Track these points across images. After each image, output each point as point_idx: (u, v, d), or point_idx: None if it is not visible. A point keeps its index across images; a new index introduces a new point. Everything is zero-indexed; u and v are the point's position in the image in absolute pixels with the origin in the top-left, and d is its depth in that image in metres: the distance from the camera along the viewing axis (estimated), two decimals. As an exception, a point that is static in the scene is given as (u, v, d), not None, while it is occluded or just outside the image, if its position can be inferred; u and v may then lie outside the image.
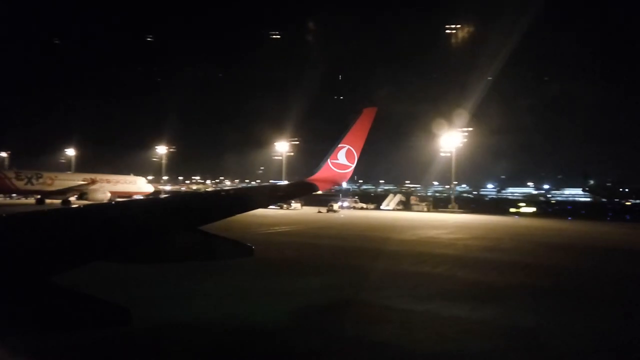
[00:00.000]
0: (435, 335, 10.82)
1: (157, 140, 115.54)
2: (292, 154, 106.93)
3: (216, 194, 9.15)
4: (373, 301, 13.93)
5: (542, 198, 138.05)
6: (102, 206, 4.11)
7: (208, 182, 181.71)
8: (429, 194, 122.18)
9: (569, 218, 71.46)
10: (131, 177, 77.85)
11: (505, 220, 64.12)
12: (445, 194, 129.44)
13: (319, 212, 64.58)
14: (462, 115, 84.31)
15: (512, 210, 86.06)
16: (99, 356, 8.24)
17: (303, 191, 9.02)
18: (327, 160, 8.14)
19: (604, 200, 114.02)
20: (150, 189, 77.89)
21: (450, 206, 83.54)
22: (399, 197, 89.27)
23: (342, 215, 62.13)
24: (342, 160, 8.18)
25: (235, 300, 13.35)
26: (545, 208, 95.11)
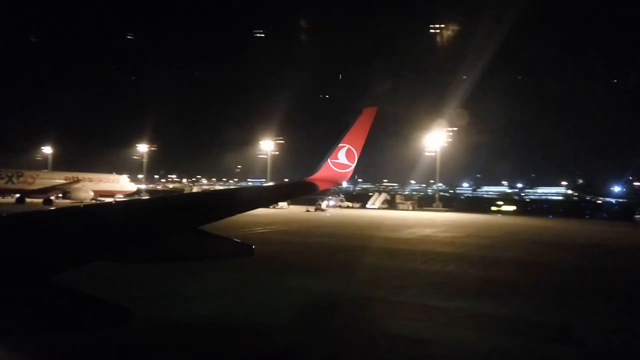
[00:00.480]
0: (472, 330, 11.13)
1: (135, 139, 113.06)
2: (277, 152, 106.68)
3: (216, 193, 9.29)
4: (406, 300, 14.16)
5: (516, 197, 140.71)
6: (102, 206, 4.14)
7: (184, 180, 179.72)
8: (406, 192, 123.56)
9: (550, 216, 72.54)
10: (114, 176, 76.57)
11: (490, 218, 65.05)
12: (422, 193, 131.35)
13: (307, 210, 64.56)
14: (444, 115, 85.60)
15: (494, 208, 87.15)
16: (99, 356, 8.18)
17: (304, 191, 9.08)
18: (327, 159, 8.18)
19: (575, 198, 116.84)
20: (133, 187, 76.86)
21: (434, 205, 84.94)
22: (384, 196, 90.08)
23: (328, 214, 61.77)
24: (342, 159, 8.21)
25: (236, 300, 13.32)
26: (525, 206, 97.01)
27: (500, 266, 21.29)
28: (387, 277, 17.70)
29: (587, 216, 75.77)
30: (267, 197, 7.55)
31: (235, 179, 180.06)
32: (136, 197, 72.11)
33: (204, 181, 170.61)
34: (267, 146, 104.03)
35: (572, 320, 12.31)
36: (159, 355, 8.89)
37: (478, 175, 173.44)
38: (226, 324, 11.03)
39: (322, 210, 66.67)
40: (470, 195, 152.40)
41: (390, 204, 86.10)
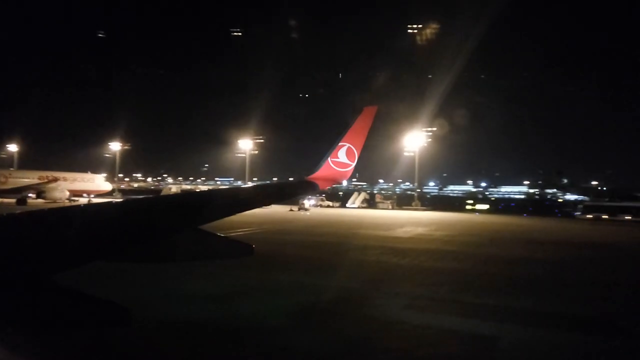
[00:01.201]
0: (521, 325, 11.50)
1: (103, 137, 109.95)
2: (256, 152, 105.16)
3: (216, 193, 9.40)
4: (443, 297, 14.51)
5: (480, 195, 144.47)
6: (102, 205, 4.31)
7: (149, 179, 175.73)
8: (375, 192, 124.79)
9: (525, 215, 74.89)
10: (89, 175, 74.41)
11: (470, 217, 66.67)
12: (390, 192, 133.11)
13: (291, 210, 64.10)
14: (417, 116, 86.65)
15: (469, 207, 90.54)
16: (99, 356, 8.14)
17: (304, 190, 9.18)
18: (327, 158, 8.18)
19: (537, 197, 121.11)
20: (108, 187, 75.05)
21: (413, 204, 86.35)
22: (363, 195, 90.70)
23: (308, 214, 61.31)
24: (343, 158, 8.25)
25: (236, 299, 13.27)
26: (496, 205, 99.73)
27: (510, 263, 22.24)
28: (418, 277, 17.95)
29: (559, 215, 78.92)
30: (267, 197, 7.54)
31: (202, 178, 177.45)
32: (111, 197, 70.55)
33: (170, 180, 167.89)
34: (246, 145, 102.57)
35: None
36: (159, 355, 8.85)
37: (444, 175, 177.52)
38: (227, 323, 10.98)
39: (306, 209, 66.52)
40: (436, 194, 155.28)
41: (369, 203, 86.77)
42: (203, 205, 5.19)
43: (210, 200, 5.57)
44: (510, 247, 29.70)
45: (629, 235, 44.40)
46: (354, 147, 8.35)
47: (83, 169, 78.06)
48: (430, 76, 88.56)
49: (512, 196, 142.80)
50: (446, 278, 17.59)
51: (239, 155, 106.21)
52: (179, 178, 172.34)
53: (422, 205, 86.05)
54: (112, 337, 8.08)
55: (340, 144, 8.31)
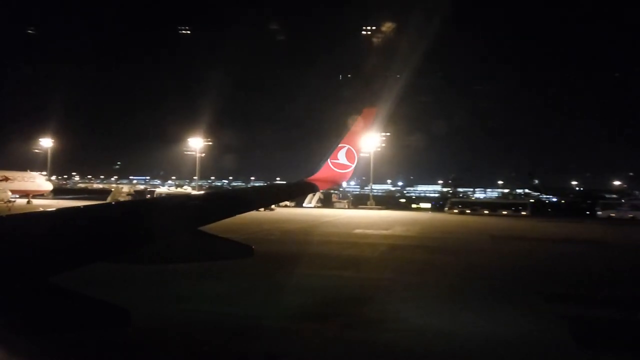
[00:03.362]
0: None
1: (35, 134, 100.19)
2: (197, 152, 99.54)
3: (216, 195, 9.34)
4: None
5: (398, 194, 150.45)
6: (102, 207, 4.28)
7: (76, 178, 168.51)
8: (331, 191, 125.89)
9: (468, 212, 76.72)
10: (29, 174, 69.57)
11: (427, 215, 68.54)
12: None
13: (258, 210, 62.10)
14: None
15: (414, 206, 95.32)
16: (99, 356, 8.14)
17: (304, 191, 9.31)
18: (327, 160, 8.27)
19: (450, 195, 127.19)
20: (49, 186, 70.92)
21: (368, 203, 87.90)
22: (319, 194, 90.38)
23: (267, 214, 59.46)
24: (342, 160, 8.32)
25: (236, 299, 13.27)
26: (435, 204, 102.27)
27: (525, 256, 25.09)
28: (460, 273, 18.66)
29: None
30: (267, 198, 7.60)
31: (131, 177, 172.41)
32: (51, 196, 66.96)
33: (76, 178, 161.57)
34: (196, 144, 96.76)
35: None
36: (159, 356, 8.85)
37: (363, 178, 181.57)
38: (227, 323, 10.96)
39: (272, 209, 65.25)
40: (357, 192, 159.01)
41: (324, 203, 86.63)
42: (203, 206, 5.23)
43: (210, 202, 5.66)
44: (496, 243, 32.50)
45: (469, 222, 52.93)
46: (353, 148, 8.34)
47: (18, 168, 73.29)
48: (381, 77, 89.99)
49: (427, 195, 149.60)
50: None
51: (189, 153, 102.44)
52: (113, 177, 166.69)
53: (376, 205, 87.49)
54: (112, 337, 8.03)
55: (340, 145, 8.30)
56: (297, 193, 9.68)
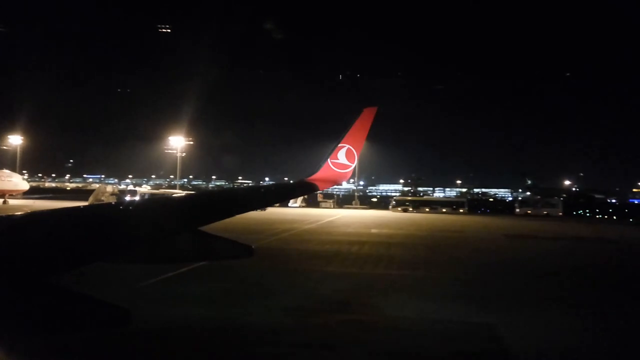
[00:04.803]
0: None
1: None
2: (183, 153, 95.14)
3: (216, 194, 9.34)
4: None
5: (360, 193, 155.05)
6: (103, 207, 4.27)
7: (25, 176, 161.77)
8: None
9: (444, 210, 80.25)
10: (5, 173, 66.03)
11: (407, 215, 70.19)
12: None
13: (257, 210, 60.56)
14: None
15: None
16: (99, 356, 8.09)
17: (304, 191, 9.25)
18: (327, 159, 8.29)
19: (410, 194, 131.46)
20: (26, 186, 67.86)
21: (354, 202, 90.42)
22: None
23: (262, 214, 58.04)
24: (342, 159, 8.35)
25: (235, 299, 13.21)
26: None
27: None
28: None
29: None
30: (268, 198, 7.64)
31: (101, 176, 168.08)
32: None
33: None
34: (177, 142, 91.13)
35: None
36: (159, 356, 8.83)
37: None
38: (227, 323, 10.94)
39: (264, 209, 64.04)
40: (324, 192, 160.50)
41: (308, 202, 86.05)
42: (203, 206, 5.19)
43: (211, 202, 5.63)
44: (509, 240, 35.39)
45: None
46: (353, 148, 8.34)
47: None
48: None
49: (389, 194, 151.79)
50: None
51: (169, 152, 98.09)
52: (78, 178, 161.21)
53: (361, 204, 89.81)
54: (112, 337, 8.02)
55: (340, 145, 8.28)
56: (298, 193, 9.53)
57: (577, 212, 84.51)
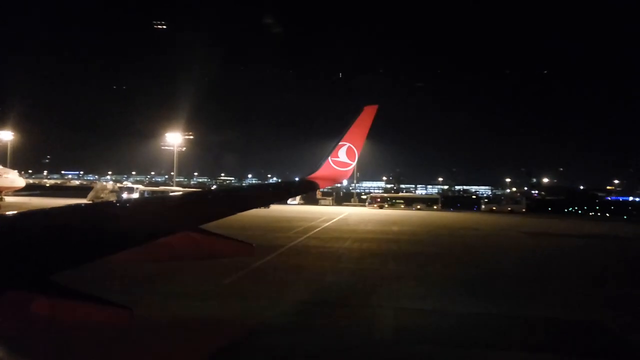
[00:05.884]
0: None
1: None
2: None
3: (217, 192, 9.25)
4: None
5: (344, 190, 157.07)
6: (104, 205, 4.33)
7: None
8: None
9: (418, 207, 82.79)
10: (2, 169, 63.87)
11: (400, 212, 72.84)
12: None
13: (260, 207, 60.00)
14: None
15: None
16: (99, 356, 8.12)
17: (305, 189, 9.29)
18: (327, 158, 8.30)
19: (393, 191, 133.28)
20: (22, 182, 65.86)
21: (352, 200, 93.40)
22: None
23: (266, 211, 54.81)
24: (343, 158, 8.35)
25: (235, 299, 13.26)
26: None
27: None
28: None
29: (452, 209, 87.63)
30: (268, 196, 7.60)
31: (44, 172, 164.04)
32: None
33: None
34: (174, 139, 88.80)
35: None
36: (160, 355, 8.82)
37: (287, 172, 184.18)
38: (228, 322, 10.99)
39: (267, 207, 63.51)
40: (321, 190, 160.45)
41: (306, 200, 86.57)
42: (204, 204, 5.21)
43: (212, 200, 5.62)
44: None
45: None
46: (354, 146, 8.35)
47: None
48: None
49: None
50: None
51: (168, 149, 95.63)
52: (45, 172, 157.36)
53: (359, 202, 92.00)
54: (112, 337, 7.86)
55: (340, 143, 8.27)
56: (300, 191, 9.57)
57: (578, 211, 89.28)
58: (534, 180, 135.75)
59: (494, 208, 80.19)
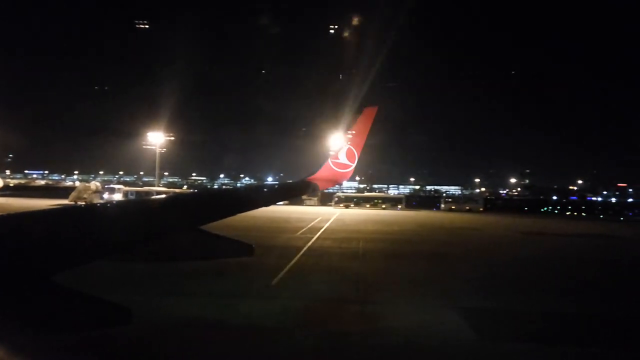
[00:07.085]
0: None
1: None
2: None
3: (217, 193, 9.25)
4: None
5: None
6: (102, 205, 4.60)
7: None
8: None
9: (384, 206, 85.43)
10: None
11: (393, 212, 74.42)
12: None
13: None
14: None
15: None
16: (99, 356, 8.13)
17: (305, 190, 9.34)
18: (328, 159, 8.37)
19: (367, 191, 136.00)
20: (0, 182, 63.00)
21: (334, 201, 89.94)
22: None
23: (260, 212, 56.50)
24: (343, 159, 8.40)
25: (235, 299, 13.26)
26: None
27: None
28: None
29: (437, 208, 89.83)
30: (268, 197, 7.61)
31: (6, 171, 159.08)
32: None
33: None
34: (156, 139, 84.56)
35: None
36: (160, 355, 8.83)
37: (281, 174, 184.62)
38: (227, 322, 11.01)
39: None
40: None
41: (291, 200, 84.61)
42: (204, 205, 5.20)
43: (212, 201, 5.61)
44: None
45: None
46: (354, 148, 8.39)
47: None
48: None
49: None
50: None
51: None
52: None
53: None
54: (112, 337, 7.97)
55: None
56: (300, 192, 9.66)
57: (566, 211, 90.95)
58: (527, 180, 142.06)
59: (453, 207, 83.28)
